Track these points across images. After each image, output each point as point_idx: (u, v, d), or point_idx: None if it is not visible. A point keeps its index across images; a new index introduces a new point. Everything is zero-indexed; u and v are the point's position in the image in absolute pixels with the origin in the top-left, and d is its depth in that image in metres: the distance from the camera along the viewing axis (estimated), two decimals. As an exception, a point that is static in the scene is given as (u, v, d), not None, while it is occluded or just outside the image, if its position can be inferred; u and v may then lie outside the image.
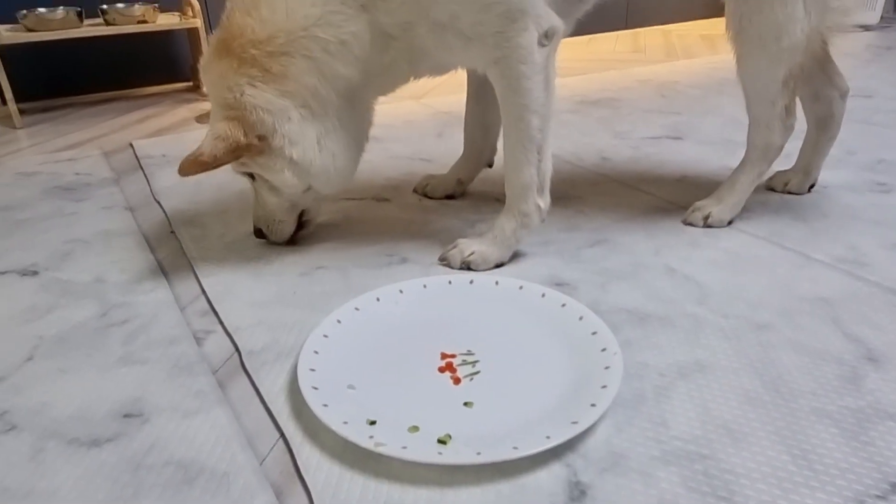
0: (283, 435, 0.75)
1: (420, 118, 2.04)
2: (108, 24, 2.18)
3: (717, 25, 3.69)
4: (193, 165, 0.98)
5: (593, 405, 0.73)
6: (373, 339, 0.89)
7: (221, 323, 0.97)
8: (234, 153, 1.00)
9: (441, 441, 0.70)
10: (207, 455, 0.72)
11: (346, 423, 0.72)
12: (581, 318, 0.90)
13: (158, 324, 0.98)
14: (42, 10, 2.10)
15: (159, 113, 2.25)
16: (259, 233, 1.18)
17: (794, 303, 0.97)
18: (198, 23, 2.27)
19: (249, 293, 1.05)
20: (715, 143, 1.72)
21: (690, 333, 0.91)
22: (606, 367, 0.79)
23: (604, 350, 0.83)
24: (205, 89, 1.10)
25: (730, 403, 0.77)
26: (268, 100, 0.98)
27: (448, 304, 0.97)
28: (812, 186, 1.37)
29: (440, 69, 1.13)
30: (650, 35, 3.52)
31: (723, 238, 1.19)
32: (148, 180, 1.58)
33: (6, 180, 1.61)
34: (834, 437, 0.71)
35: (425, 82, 2.14)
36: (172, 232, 1.29)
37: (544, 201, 1.08)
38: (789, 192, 1.37)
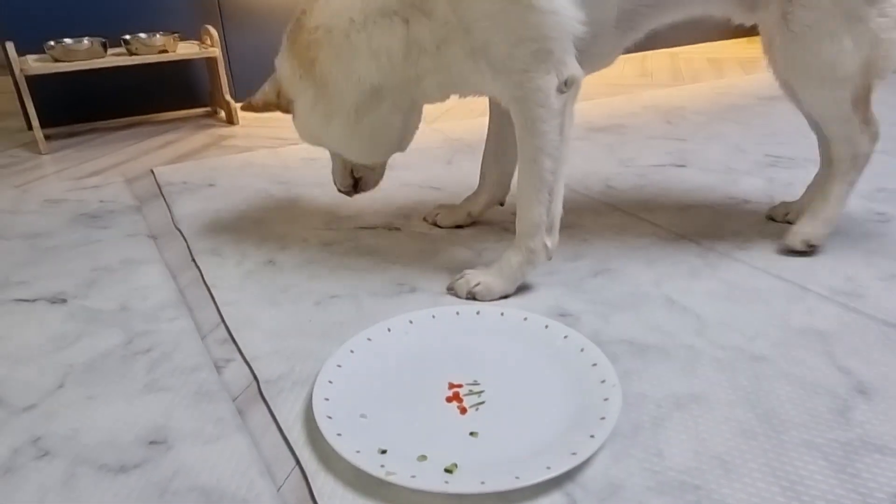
0: (298, 462, 0.79)
1: (431, 144, 2.10)
2: (130, 53, 2.26)
3: (723, 49, 3.74)
4: (248, 105, 1.31)
5: (592, 436, 0.77)
6: (384, 368, 0.94)
7: (240, 351, 1.02)
8: (269, 104, 1.30)
9: (448, 470, 0.75)
10: (228, 482, 0.77)
11: (358, 451, 0.76)
12: (582, 350, 0.94)
13: (180, 352, 1.03)
14: (69, 41, 2.19)
15: (179, 138, 2.33)
16: (346, 192, 1.40)
17: (789, 335, 1.01)
18: (216, 52, 2.35)
19: (267, 322, 1.10)
20: (718, 171, 1.76)
21: (687, 365, 0.94)
22: (605, 399, 0.83)
23: (603, 382, 0.87)
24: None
25: (723, 435, 0.81)
26: (291, 69, 1.24)
27: (456, 335, 1.02)
28: None
29: (468, 92, 1.18)
30: (657, 58, 3.57)
31: (722, 268, 1.23)
32: (169, 208, 1.64)
33: (34, 207, 1.68)
34: (822, 469, 0.75)
35: (437, 107, 2.20)
36: (193, 260, 1.35)
37: (552, 240, 1.13)
38: (788, 223, 1.40)
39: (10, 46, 2.05)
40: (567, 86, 1.03)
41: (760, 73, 3.07)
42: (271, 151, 2.11)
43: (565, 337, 0.98)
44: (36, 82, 2.16)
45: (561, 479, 0.74)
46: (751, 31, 4.22)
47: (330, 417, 0.82)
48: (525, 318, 1.03)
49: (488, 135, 1.39)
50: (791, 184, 1.63)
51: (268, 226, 1.51)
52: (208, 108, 2.66)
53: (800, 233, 1.26)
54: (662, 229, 1.41)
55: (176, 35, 2.34)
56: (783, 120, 2.23)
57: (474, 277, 1.15)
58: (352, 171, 1.35)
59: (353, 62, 1.11)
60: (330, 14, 1.10)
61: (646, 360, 0.96)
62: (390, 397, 0.89)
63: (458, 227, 1.45)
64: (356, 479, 0.76)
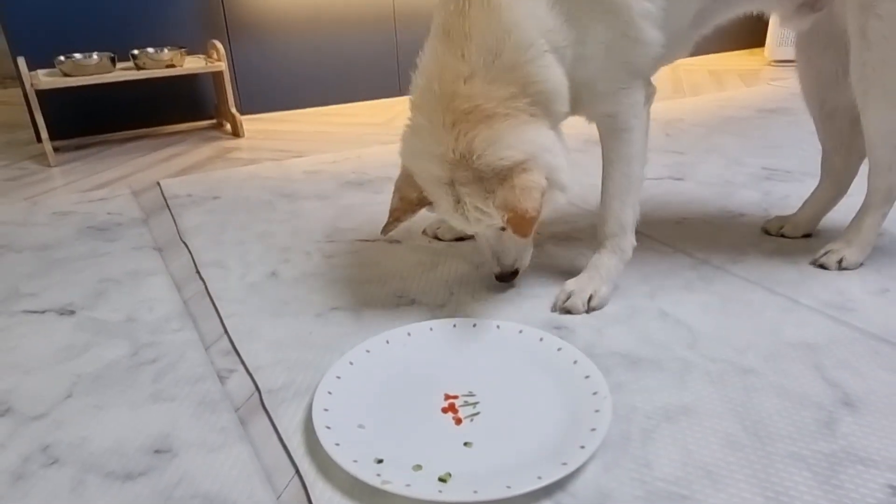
0: (298, 471, 0.82)
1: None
2: (138, 68, 2.31)
3: (724, 61, 3.77)
4: (529, 224, 0.98)
5: (582, 447, 0.79)
6: (382, 380, 0.97)
7: (243, 362, 1.05)
8: (542, 197, 1.00)
9: (442, 479, 0.77)
10: (230, 489, 0.79)
11: (355, 461, 0.79)
12: (575, 363, 0.96)
13: (185, 363, 1.06)
14: (78, 55, 2.24)
15: (185, 151, 2.37)
16: (512, 275, 1.19)
17: (779, 347, 1.03)
18: (222, 66, 2.39)
19: (269, 333, 1.13)
20: (715, 184, 1.79)
21: (678, 377, 0.97)
22: (596, 411, 0.86)
23: (595, 393, 0.89)
24: (428, 170, 1.05)
25: (711, 447, 0.83)
26: (544, 135, 1.03)
27: (453, 347, 1.04)
28: (808, 235, 1.42)
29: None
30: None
31: (716, 281, 1.25)
32: (175, 220, 1.67)
33: (43, 219, 1.72)
34: (806, 481, 0.77)
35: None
36: (198, 272, 1.38)
37: (634, 238, 1.21)
38: (783, 236, 1.43)
39: (21, 61, 2.10)
40: (647, 99, 1.16)
41: (761, 86, 3.10)
42: (276, 164, 2.15)
43: (559, 349, 1.00)
44: (46, 96, 2.21)
45: (551, 488, 0.76)
46: (752, 44, 4.22)
47: (329, 427, 0.85)
48: (520, 331, 1.06)
49: None
50: (787, 196, 1.65)
51: (271, 238, 1.54)
52: (214, 121, 2.70)
53: (836, 252, 1.27)
54: (658, 242, 1.43)
55: (183, 50, 2.38)
56: (782, 132, 2.26)
57: (583, 290, 1.17)
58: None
59: (553, 105, 1.05)
60: (511, 71, 1.00)
61: (638, 372, 0.98)
62: (388, 408, 0.91)
63: (459, 240, 1.48)
64: (353, 487, 0.78)
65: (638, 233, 1.22)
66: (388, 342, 1.04)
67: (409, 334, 1.06)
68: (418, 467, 0.79)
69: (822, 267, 1.28)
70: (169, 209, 1.76)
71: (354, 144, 2.35)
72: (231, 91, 2.46)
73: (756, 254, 1.36)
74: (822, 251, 1.29)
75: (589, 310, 1.16)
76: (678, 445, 0.83)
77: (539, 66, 1.01)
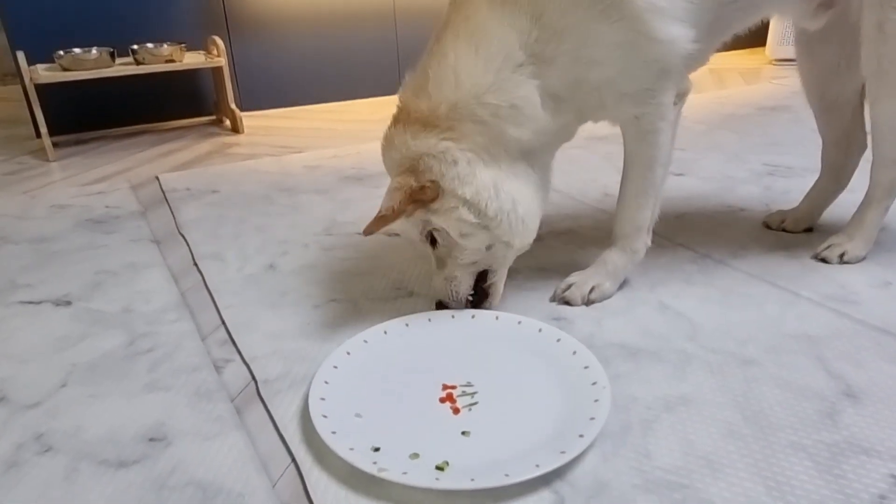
0: (294, 459, 0.81)
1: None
2: (138, 63, 2.30)
3: (725, 59, 3.76)
4: (377, 223, 1.00)
5: (581, 436, 0.79)
6: (380, 370, 0.96)
7: (239, 353, 1.04)
8: (410, 199, 1.00)
9: (439, 468, 0.76)
10: (225, 477, 0.78)
11: (352, 449, 0.78)
12: (574, 353, 0.96)
13: (181, 352, 1.05)
14: (77, 50, 2.24)
15: (184, 146, 2.36)
16: (440, 304, 1.12)
17: (780, 339, 1.02)
18: (222, 61, 2.39)
19: (266, 324, 1.12)
20: (715, 179, 1.78)
21: (678, 368, 0.96)
22: (596, 400, 0.85)
23: (594, 384, 0.88)
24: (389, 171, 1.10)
25: (712, 436, 0.82)
26: (430, 144, 1.00)
27: (451, 338, 1.03)
28: (809, 229, 1.42)
29: (583, 122, 1.17)
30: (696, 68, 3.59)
31: (716, 275, 1.24)
32: (173, 213, 1.67)
33: (41, 213, 1.71)
34: (808, 470, 0.76)
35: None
36: (195, 264, 1.37)
37: (649, 238, 1.19)
38: (784, 231, 1.42)
39: (20, 55, 2.10)
40: (679, 98, 1.11)
41: (761, 84, 3.09)
42: (274, 159, 2.14)
43: (558, 340, 0.99)
44: (45, 91, 2.20)
45: (550, 477, 0.75)
46: (753, 43, 4.21)
47: (325, 416, 0.84)
48: (519, 322, 1.05)
49: None
50: (788, 192, 1.64)
51: (269, 231, 1.53)
52: (213, 117, 2.70)
53: (839, 246, 1.26)
54: (658, 237, 1.42)
55: (182, 45, 2.38)
56: (782, 130, 2.25)
57: (584, 283, 1.16)
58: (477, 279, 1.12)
59: (498, 124, 1.02)
60: (453, 87, 1.01)
61: (638, 363, 0.98)
62: (385, 398, 0.90)
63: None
64: (349, 475, 0.77)
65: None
66: (385, 332, 1.03)
67: (407, 325, 1.06)
68: (415, 456, 0.78)
69: (824, 261, 1.27)
70: (167, 203, 1.75)
71: (354, 140, 2.34)
72: (230, 87, 2.45)
73: (757, 248, 1.35)
74: (824, 245, 1.28)
75: (588, 303, 1.15)
76: (678, 435, 0.82)
77: (497, 81, 1.00)
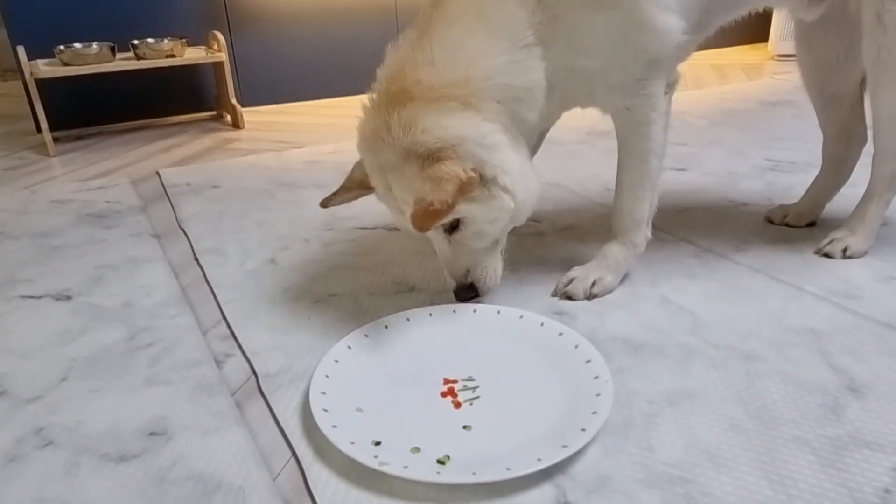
0: (294, 453, 0.81)
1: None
2: (138, 58, 2.30)
3: (727, 55, 3.75)
4: (430, 217, 0.89)
5: (583, 430, 0.78)
6: (380, 364, 0.95)
7: (240, 347, 1.04)
8: (462, 191, 0.91)
9: (440, 462, 0.76)
10: (225, 471, 0.78)
11: (353, 443, 0.77)
12: (577, 347, 0.95)
13: (182, 347, 1.05)
14: (78, 45, 2.23)
15: (184, 142, 2.36)
16: (466, 290, 1.07)
17: (783, 334, 1.02)
18: (223, 57, 2.38)
19: (267, 319, 1.12)
20: (718, 174, 1.77)
21: (681, 362, 0.95)
22: (598, 395, 0.84)
23: (596, 378, 0.88)
24: (365, 152, 1.02)
25: (714, 431, 0.81)
26: (471, 126, 0.94)
27: (452, 332, 1.03)
28: (812, 224, 1.41)
29: (570, 108, 1.16)
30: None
31: (719, 269, 1.23)
32: (173, 208, 1.66)
33: (42, 207, 1.71)
34: (811, 464, 0.75)
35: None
36: (196, 259, 1.37)
37: (649, 231, 1.18)
38: (787, 225, 1.41)
39: (21, 50, 2.09)
40: (670, 87, 1.10)
41: (763, 79, 3.08)
42: (275, 155, 2.13)
43: (560, 334, 0.99)
44: (45, 86, 2.20)
45: (551, 471, 0.75)
46: (755, 38, 4.20)
47: (326, 410, 0.83)
48: (521, 316, 1.05)
49: None
50: (791, 187, 1.64)
51: (270, 226, 1.53)
52: (214, 112, 2.69)
53: (841, 241, 1.26)
54: (661, 231, 1.42)
55: (183, 40, 2.37)
56: (785, 125, 2.24)
57: (586, 277, 1.15)
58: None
59: (516, 107, 1.00)
60: (466, 65, 0.96)
61: (640, 357, 0.97)
62: (386, 392, 0.90)
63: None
64: (350, 469, 0.77)
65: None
66: (386, 327, 1.03)
67: (408, 319, 1.05)
68: (416, 450, 0.78)
69: (827, 256, 1.26)
70: (168, 198, 1.75)
71: (354, 136, 2.33)
72: (231, 82, 2.45)
73: (759, 242, 1.34)
74: (827, 240, 1.27)
75: (590, 296, 1.14)
76: (680, 430, 0.82)
77: (511, 62, 0.96)
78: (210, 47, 2.47)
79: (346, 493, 0.74)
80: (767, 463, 0.76)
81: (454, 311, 1.07)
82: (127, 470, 0.79)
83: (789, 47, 3.47)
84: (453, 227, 1.01)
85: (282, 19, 2.73)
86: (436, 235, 1.04)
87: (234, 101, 2.47)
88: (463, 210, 0.97)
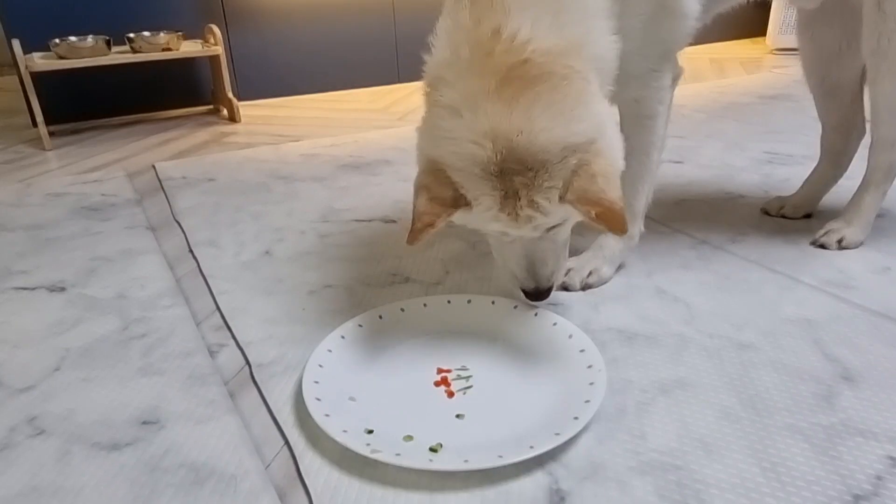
0: (287, 442, 0.80)
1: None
2: (134, 51, 2.29)
3: (726, 49, 3.74)
4: (623, 217, 0.79)
5: (576, 418, 0.78)
6: (374, 354, 0.95)
7: (234, 337, 1.04)
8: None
9: (433, 449, 0.76)
10: (217, 459, 0.78)
11: (345, 431, 0.77)
12: (570, 337, 0.95)
13: (175, 337, 1.04)
14: (73, 38, 2.22)
15: (181, 136, 2.35)
16: (544, 293, 0.97)
17: (778, 324, 1.02)
18: (219, 50, 2.37)
19: (261, 310, 1.12)
20: (714, 167, 1.77)
21: (675, 352, 0.95)
22: (591, 383, 0.84)
23: (590, 367, 0.88)
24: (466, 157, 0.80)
25: (707, 419, 0.81)
26: (609, 108, 0.85)
27: (446, 322, 1.03)
28: (808, 215, 1.41)
29: None
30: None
31: (714, 261, 1.23)
32: (169, 201, 1.66)
33: (37, 200, 1.70)
34: (804, 452, 0.75)
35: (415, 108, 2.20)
36: (191, 251, 1.36)
37: (643, 223, 1.18)
38: (783, 217, 1.41)
39: (16, 44, 2.08)
40: (674, 81, 1.09)
41: (762, 73, 3.08)
42: (272, 148, 2.13)
43: (554, 324, 0.99)
44: (41, 79, 2.19)
45: (544, 458, 0.75)
46: (753, 32, 4.19)
47: (319, 399, 0.83)
48: (515, 307, 1.04)
49: None
50: (788, 179, 1.63)
51: (266, 218, 1.52)
52: (211, 106, 2.68)
53: (836, 232, 1.25)
54: (657, 223, 1.41)
55: (179, 33, 2.36)
56: (783, 118, 2.24)
57: (583, 268, 1.15)
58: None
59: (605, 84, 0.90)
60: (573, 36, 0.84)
61: (634, 347, 0.97)
62: (379, 381, 0.90)
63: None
64: (343, 458, 0.77)
65: (636, 214, 1.20)
66: (381, 317, 1.03)
67: (402, 310, 1.05)
68: (409, 438, 0.78)
69: (823, 247, 1.26)
70: (163, 190, 1.74)
71: (352, 129, 2.33)
72: (228, 76, 2.44)
73: (756, 234, 1.34)
74: (822, 231, 1.27)
75: (585, 287, 1.14)
76: (673, 418, 0.82)
77: (593, 28, 0.85)
78: (206, 41, 2.46)
79: (339, 480, 0.74)
80: (760, 451, 0.76)
81: (448, 302, 1.07)
82: (119, 458, 0.79)
83: (787, 41, 3.46)
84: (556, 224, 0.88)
85: (278, 12, 2.72)
86: (527, 237, 0.90)
87: (230, 94, 2.46)
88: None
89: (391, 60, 2.93)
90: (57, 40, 2.20)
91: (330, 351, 0.94)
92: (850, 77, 1.29)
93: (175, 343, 1.03)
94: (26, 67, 2.10)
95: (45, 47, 2.23)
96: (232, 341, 1.03)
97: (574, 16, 0.83)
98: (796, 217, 1.41)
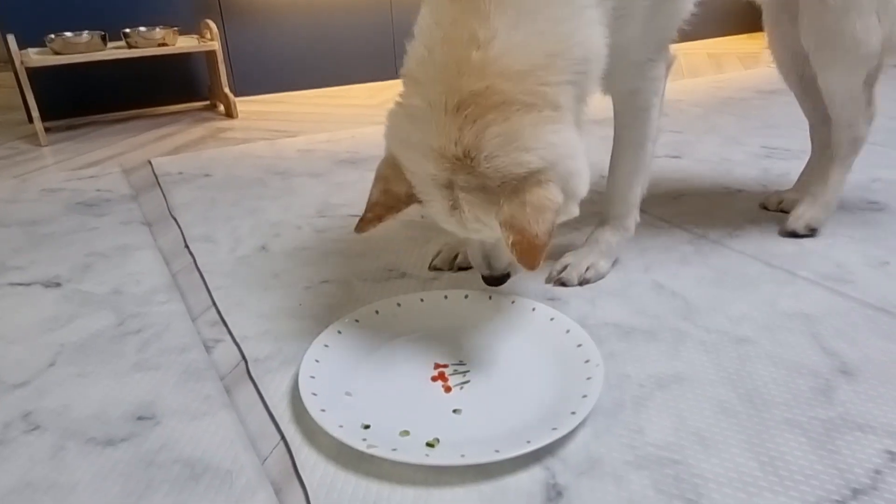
0: (283, 437, 0.80)
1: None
2: (130, 46, 2.28)
3: (723, 44, 3.73)
4: (538, 253, 0.77)
5: (573, 413, 0.78)
6: (371, 349, 0.95)
7: (230, 333, 1.03)
8: (557, 216, 0.80)
9: (429, 444, 0.75)
10: (213, 454, 0.78)
11: (341, 426, 0.77)
12: (568, 332, 0.95)
13: (171, 333, 1.04)
14: (69, 34, 2.21)
15: (177, 131, 2.34)
16: (498, 280, 0.99)
17: (775, 318, 1.01)
18: (215, 45, 2.36)
19: (257, 305, 1.11)
20: (713, 162, 1.77)
21: (672, 347, 0.95)
22: (588, 378, 0.84)
23: (587, 362, 0.87)
24: (421, 164, 0.82)
25: (704, 413, 0.81)
26: (570, 138, 0.82)
27: (443, 317, 1.02)
28: None
29: None
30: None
31: (712, 256, 1.23)
32: (165, 197, 1.65)
33: (32, 196, 1.69)
34: (801, 446, 0.75)
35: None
36: (186, 247, 1.36)
37: (638, 215, 1.18)
38: (782, 211, 1.41)
39: (11, 39, 2.07)
40: (668, 70, 1.09)
41: (760, 68, 3.07)
42: (268, 143, 2.12)
43: (552, 319, 0.98)
44: (36, 75, 2.17)
45: (541, 453, 0.74)
46: (751, 28, 4.18)
47: (315, 394, 0.83)
48: (513, 302, 1.04)
49: None
50: (786, 174, 1.63)
51: (262, 214, 1.52)
52: (207, 102, 2.67)
53: (802, 217, 1.28)
54: (654, 218, 1.41)
55: (175, 29, 2.35)
56: (781, 113, 2.23)
57: (580, 263, 1.15)
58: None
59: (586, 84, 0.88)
60: (539, 42, 0.81)
61: (631, 342, 0.97)
62: (376, 376, 0.89)
63: (462, 269, 1.42)
64: (339, 453, 0.76)
65: (635, 209, 1.19)
66: (377, 312, 1.02)
67: (399, 305, 1.04)
68: (405, 433, 0.78)
69: (792, 233, 1.28)
70: (159, 186, 1.74)
71: (349, 125, 2.32)
72: (224, 71, 2.43)
73: (754, 229, 1.34)
74: (790, 218, 1.29)
75: (583, 282, 1.14)
76: (670, 412, 0.81)
77: (581, 23, 0.82)
78: (202, 36, 2.45)
79: (335, 475, 0.74)
80: (758, 445, 0.75)
81: (445, 297, 1.07)
82: (114, 454, 0.78)
83: (786, 37, 3.45)
84: None
85: (275, 8, 2.71)
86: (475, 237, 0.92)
87: (226, 90, 2.45)
88: None
89: (388, 56, 2.91)
90: (52, 35, 2.18)
91: (326, 346, 0.93)
92: None
93: (170, 338, 1.02)
94: (21, 63, 2.09)
95: (40, 43, 2.22)
96: (228, 336, 1.03)
97: (562, 10, 0.82)
98: (794, 212, 1.40)
